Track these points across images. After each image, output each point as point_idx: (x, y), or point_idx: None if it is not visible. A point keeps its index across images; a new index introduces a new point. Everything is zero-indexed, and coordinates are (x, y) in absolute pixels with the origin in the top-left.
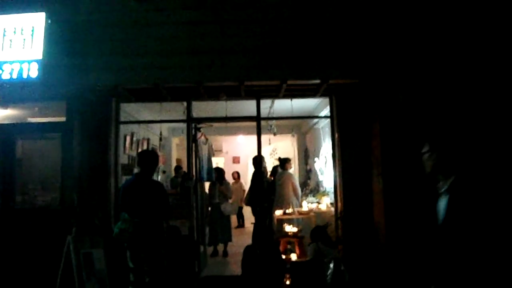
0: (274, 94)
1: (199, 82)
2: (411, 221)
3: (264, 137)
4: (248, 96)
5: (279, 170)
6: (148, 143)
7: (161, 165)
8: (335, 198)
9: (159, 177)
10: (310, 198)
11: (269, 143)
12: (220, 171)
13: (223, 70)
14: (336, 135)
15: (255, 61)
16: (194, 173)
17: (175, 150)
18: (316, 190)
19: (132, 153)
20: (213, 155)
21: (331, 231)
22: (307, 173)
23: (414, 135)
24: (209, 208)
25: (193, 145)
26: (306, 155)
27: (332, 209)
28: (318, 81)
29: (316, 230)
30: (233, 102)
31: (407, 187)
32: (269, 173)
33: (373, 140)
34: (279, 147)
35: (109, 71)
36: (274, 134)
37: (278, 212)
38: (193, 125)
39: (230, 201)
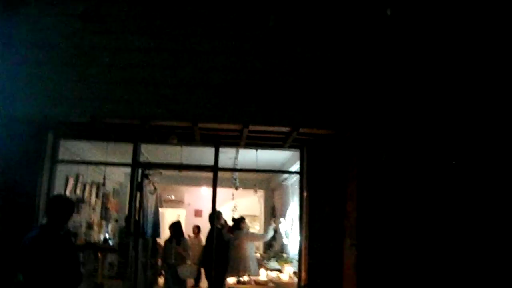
0: (236, 141)
1: (144, 119)
2: None
3: (227, 192)
4: (204, 141)
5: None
6: (98, 188)
7: (113, 212)
8: (299, 267)
9: (109, 227)
10: (272, 263)
11: (232, 198)
12: (177, 227)
13: (174, 107)
14: (305, 194)
15: (213, 99)
16: (136, 227)
17: None
18: (279, 256)
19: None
20: (161, 206)
21: None
22: (274, 234)
23: (398, 200)
24: (162, 270)
25: (137, 194)
26: (274, 213)
27: (295, 280)
28: (287, 129)
29: None
30: (190, 149)
31: (387, 263)
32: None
33: (348, 202)
34: (243, 203)
35: (39, 99)
36: (236, 188)
37: (230, 280)
38: (139, 170)
39: (188, 262)
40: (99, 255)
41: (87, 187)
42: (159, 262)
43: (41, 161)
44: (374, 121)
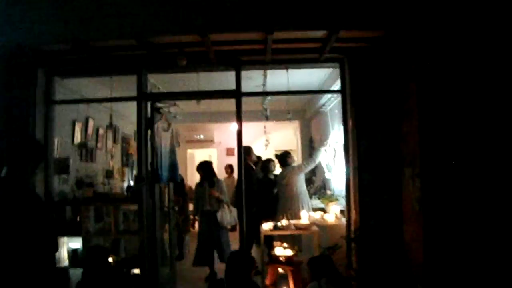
0: (260, 59)
1: (139, 35)
2: (462, 246)
3: (258, 126)
4: (222, 63)
5: (275, 168)
6: (115, 132)
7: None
8: (348, 207)
9: (133, 173)
10: (314, 202)
11: (265, 132)
12: (207, 167)
13: (176, 17)
14: (350, 116)
15: (224, 4)
16: (149, 171)
17: None
18: (322, 192)
19: (90, 144)
20: (178, 145)
21: (341, 257)
22: (313, 169)
23: (471, 117)
24: (196, 217)
25: (148, 132)
26: (311, 146)
27: (343, 221)
28: (322, 33)
29: (319, 260)
30: (209, 76)
31: (459, 196)
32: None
33: (404, 123)
34: (277, 137)
35: (10, 26)
36: (267, 119)
37: (266, 226)
38: (147, 104)
39: (226, 208)
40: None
41: (101, 131)
42: (189, 208)
43: (31, 104)
44: (439, 16)
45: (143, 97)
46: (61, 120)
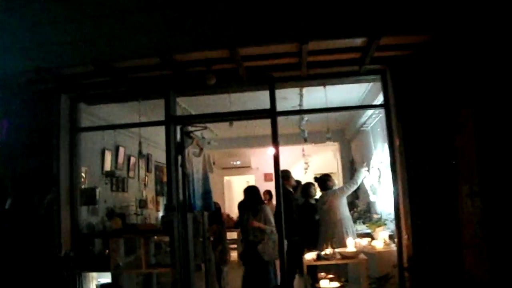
0: (295, 75)
1: (164, 53)
2: None
3: (296, 150)
4: (254, 81)
5: (316, 192)
6: (148, 160)
7: None
8: (398, 232)
9: None
10: (359, 227)
11: (303, 155)
12: (252, 192)
13: (201, 32)
14: (396, 133)
15: (253, 15)
16: (179, 200)
17: None
18: (367, 216)
19: (121, 173)
20: (212, 171)
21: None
22: (355, 191)
23: None
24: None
25: (178, 157)
26: (352, 168)
27: (393, 247)
28: (362, 41)
29: None
30: (240, 96)
31: None
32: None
33: (459, 136)
34: (317, 160)
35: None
36: (305, 140)
37: (309, 256)
38: (176, 128)
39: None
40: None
41: (132, 160)
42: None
43: (55, 131)
44: (491, 15)
45: (171, 120)
46: (89, 149)
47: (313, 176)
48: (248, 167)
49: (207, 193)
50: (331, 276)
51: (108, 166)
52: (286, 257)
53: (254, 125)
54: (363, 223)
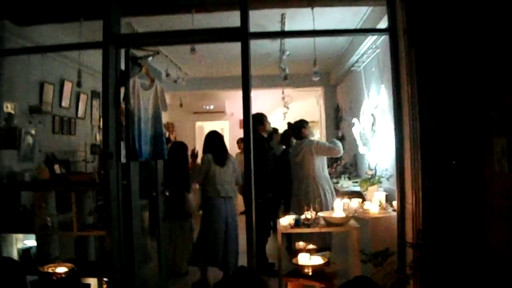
0: None
1: None
2: None
3: (275, 94)
4: None
5: (293, 141)
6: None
7: None
8: (401, 194)
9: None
10: (344, 183)
11: (283, 98)
12: (214, 139)
13: None
14: (406, 64)
15: None
16: (120, 145)
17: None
18: (352, 171)
19: (67, 113)
20: (165, 109)
21: (391, 268)
22: (340, 141)
23: None
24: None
25: (121, 90)
26: (337, 116)
27: (391, 212)
28: None
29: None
30: (208, 16)
31: None
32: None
33: (497, 70)
34: (298, 107)
35: None
36: (285, 78)
37: (284, 221)
38: (117, 51)
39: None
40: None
41: (82, 98)
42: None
43: None
44: None
45: (111, 40)
46: (22, 81)
47: (287, 122)
48: (223, 112)
49: (158, 136)
50: (311, 246)
51: (48, 103)
52: (256, 218)
53: (229, 64)
54: (349, 178)
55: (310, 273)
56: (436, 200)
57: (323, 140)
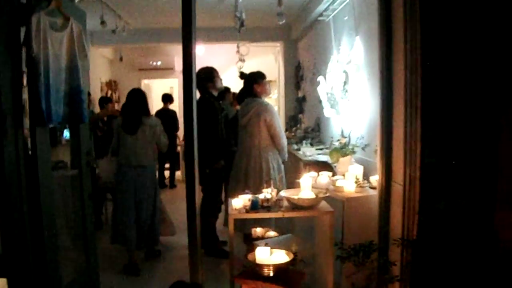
0: None
1: None
2: None
3: (230, 50)
4: None
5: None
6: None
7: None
8: (386, 170)
9: None
10: (307, 150)
11: (237, 51)
12: (128, 103)
13: None
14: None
15: None
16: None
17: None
18: (315, 136)
19: None
20: (86, 57)
21: (373, 267)
22: (299, 104)
23: None
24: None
25: (22, 30)
26: (299, 74)
27: (370, 191)
28: None
29: None
30: None
31: None
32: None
33: None
34: (254, 65)
35: None
36: (242, 25)
37: (237, 203)
38: None
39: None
40: None
41: None
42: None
43: None
44: None
45: None
46: None
47: (239, 72)
48: (171, 69)
49: (74, 94)
50: (271, 233)
51: None
52: (205, 192)
53: (174, 10)
54: (311, 144)
55: (271, 274)
56: (437, 182)
57: (281, 103)
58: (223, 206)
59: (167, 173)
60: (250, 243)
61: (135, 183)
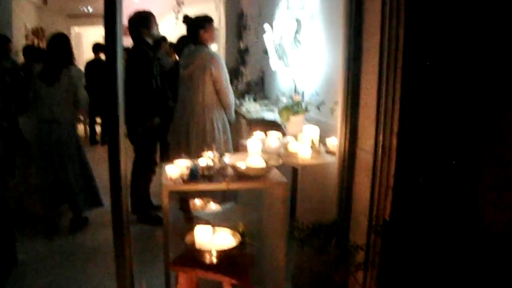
0: None
1: None
2: None
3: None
4: None
5: (188, 49)
6: None
7: None
8: (350, 133)
9: None
10: (250, 106)
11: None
12: (48, 49)
13: None
14: None
15: None
16: None
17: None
18: (258, 91)
19: None
20: None
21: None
22: (241, 56)
23: None
24: None
25: None
26: (241, 23)
27: (327, 157)
28: None
29: None
30: None
31: None
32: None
33: None
34: (192, 13)
35: None
36: None
37: (172, 171)
38: None
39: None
40: None
41: None
42: None
43: None
44: None
45: None
46: None
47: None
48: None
49: None
50: (213, 207)
51: None
52: (137, 151)
53: None
54: (255, 100)
55: (214, 261)
56: (415, 153)
57: (223, 53)
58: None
59: (99, 129)
60: (188, 213)
61: (49, 141)
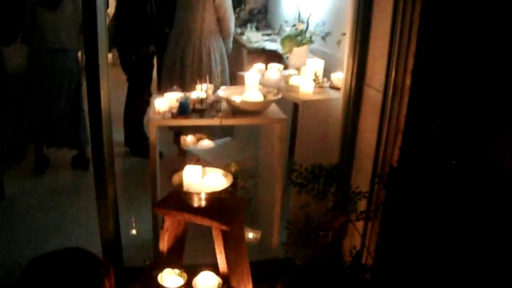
0: None
1: None
2: None
3: None
4: None
5: None
6: None
7: None
8: (358, 69)
9: None
10: (252, 35)
11: None
12: None
13: None
14: None
15: None
16: None
17: None
18: (261, 19)
19: None
20: None
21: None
22: None
23: None
24: None
25: None
26: None
27: (332, 94)
28: None
29: None
30: None
31: None
32: None
33: None
34: None
35: None
36: None
37: (161, 104)
38: None
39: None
40: None
41: None
42: None
43: None
44: None
45: None
46: None
47: None
48: None
49: None
50: (206, 144)
51: None
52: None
53: None
54: (257, 29)
55: (203, 204)
56: (430, 95)
57: None
58: None
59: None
60: (181, 148)
61: (53, 70)
